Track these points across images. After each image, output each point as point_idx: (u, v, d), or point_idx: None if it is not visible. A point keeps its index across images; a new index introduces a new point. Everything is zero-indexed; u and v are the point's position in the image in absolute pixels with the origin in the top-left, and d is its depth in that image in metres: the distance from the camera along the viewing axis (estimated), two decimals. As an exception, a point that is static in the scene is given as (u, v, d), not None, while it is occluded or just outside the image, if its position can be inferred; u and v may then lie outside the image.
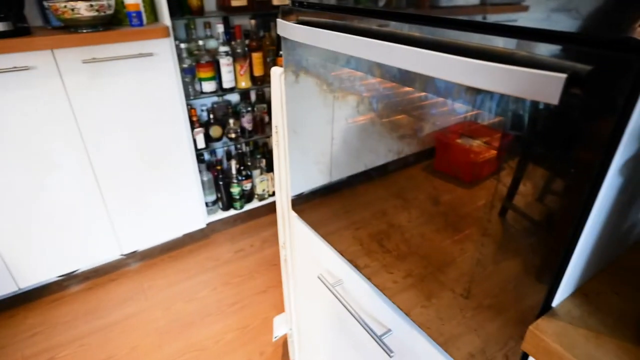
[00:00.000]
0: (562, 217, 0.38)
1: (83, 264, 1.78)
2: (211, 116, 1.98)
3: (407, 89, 0.54)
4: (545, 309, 0.44)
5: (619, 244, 0.52)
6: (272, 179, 2.22)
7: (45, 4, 1.51)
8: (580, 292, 0.46)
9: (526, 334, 0.43)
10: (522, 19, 0.38)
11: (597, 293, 0.46)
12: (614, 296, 0.46)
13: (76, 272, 1.86)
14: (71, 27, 1.46)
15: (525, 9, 0.38)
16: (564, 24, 0.34)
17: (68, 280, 1.85)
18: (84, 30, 1.43)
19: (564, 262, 0.40)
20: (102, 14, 1.43)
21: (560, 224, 0.39)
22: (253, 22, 1.92)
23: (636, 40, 0.30)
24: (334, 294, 0.79)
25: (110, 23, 1.58)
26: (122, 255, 1.91)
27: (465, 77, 0.38)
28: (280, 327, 1.40)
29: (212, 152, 2.18)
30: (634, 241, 0.56)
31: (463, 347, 0.56)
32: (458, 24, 0.45)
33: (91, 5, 1.38)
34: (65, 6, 1.36)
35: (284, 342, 1.54)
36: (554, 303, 0.44)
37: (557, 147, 0.37)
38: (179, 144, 1.78)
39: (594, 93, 0.33)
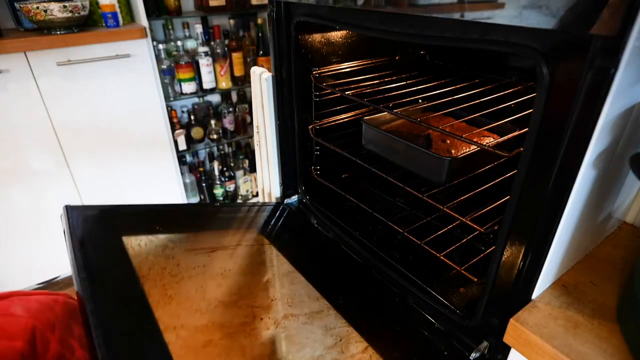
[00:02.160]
0: (540, 209, 0.39)
1: (63, 271, 1.73)
2: (192, 117, 1.95)
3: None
4: (525, 300, 0.45)
5: (595, 235, 0.53)
6: (256, 179, 2.21)
7: (17, 5, 1.47)
8: (559, 283, 0.47)
9: (507, 327, 0.43)
10: (497, 17, 0.39)
11: (575, 284, 0.47)
12: (591, 286, 0.47)
13: (57, 279, 1.82)
14: (44, 29, 1.42)
15: (502, 6, 0.38)
16: (535, 20, 0.35)
17: (49, 288, 1.80)
18: (58, 32, 1.40)
19: (543, 254, 0.41)
20: (76, 15, 1.40)
21: (538, 216, 0.40)
22: (232, 21, 1.90)
23: (601, 37, 0.31)
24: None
25: (85, 24, 1.54)
26: (104, 260, 1.87)
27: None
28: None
29: (194, 154, 2.16)
30: (609, 232, 0.57)
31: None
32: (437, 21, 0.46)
33: (64, 7, 1.35)
34: (37, 7, 1.32)
35: (272, 343, 1.53)
36: (535, 295, 0.44)
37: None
38: (159, 146, 1.75)
39: (561, 90, 0.34)
